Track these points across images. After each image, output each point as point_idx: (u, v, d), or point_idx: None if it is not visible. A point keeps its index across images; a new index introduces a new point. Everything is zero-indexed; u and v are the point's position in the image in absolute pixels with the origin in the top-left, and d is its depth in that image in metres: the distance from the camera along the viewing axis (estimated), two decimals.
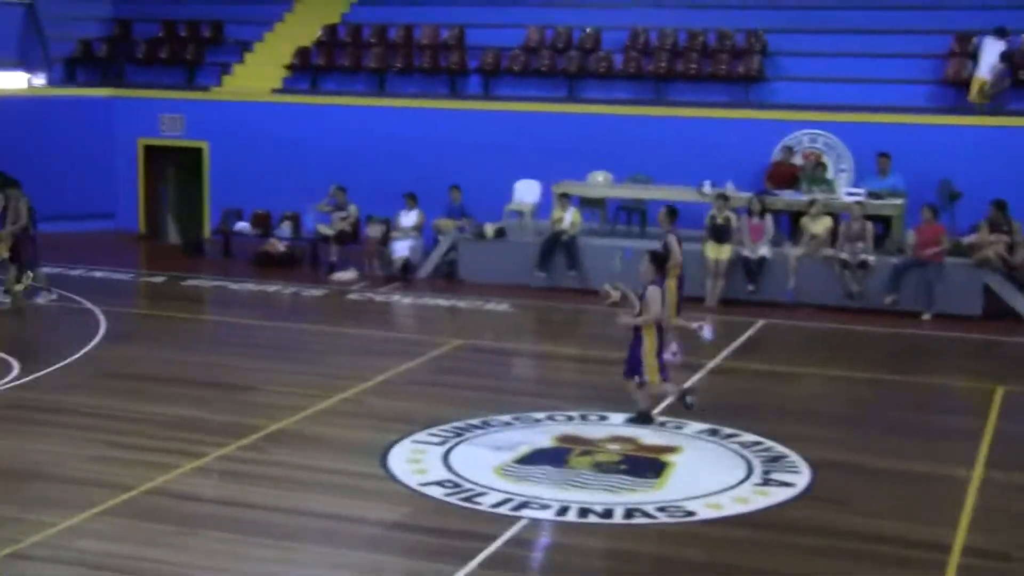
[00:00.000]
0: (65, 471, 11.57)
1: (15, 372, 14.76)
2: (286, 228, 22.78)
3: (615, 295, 13.28)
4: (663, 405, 13.54)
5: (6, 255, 18.69)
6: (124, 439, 12.50)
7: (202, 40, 26.07)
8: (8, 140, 23.94)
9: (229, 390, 14.33)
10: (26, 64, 25.30)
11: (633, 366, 13.03)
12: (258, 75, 24.95)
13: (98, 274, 21.07)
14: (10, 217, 18.82)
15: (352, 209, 21.88)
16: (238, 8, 26.39)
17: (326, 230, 21.81)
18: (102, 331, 16.98)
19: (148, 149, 24.98)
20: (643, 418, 13.20)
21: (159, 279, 21.15)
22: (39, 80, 25.21)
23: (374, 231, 21.61)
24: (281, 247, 22.39)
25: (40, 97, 24.79)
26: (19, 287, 18.59)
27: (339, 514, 10.68)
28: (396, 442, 12.49)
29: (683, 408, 13.26)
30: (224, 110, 24.49)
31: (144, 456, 11.99)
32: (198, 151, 24.63)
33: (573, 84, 23.55)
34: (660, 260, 13.35)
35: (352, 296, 20.02)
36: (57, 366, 15.10)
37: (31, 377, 14.60)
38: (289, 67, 24.95)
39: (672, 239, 15.71)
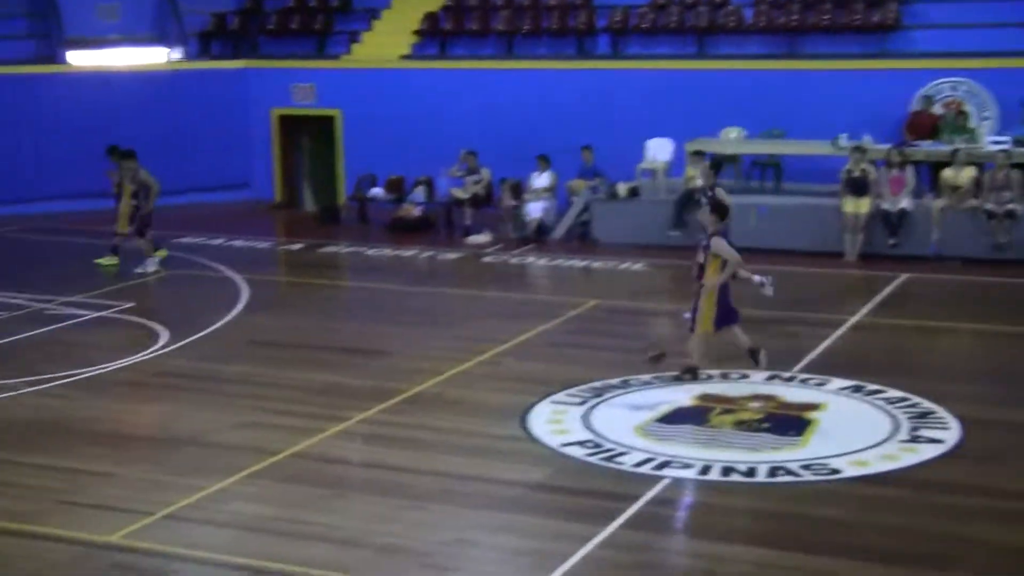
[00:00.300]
0: (213, 436, 11.87)
1: (164, 340, 15.17)
2: (420, 193, 22.96)
3: None
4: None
5: (127, 230, 19.05)
6: (269, 404, 12.77)
7: (331, 9, 26.32)
8: (147, 114, 24.53)
9: (369, 355, 14.53)
10: (163, 39, 25.87)
11: (724, 317, 13.01)
12: (387, 42, 25.12)
13: (237, 243, 21.50)
14: (128, 189, 19.11)
15: (484, 173, 21.96)
16: None
17: (460, 194, 21.94)
18: (244, 299, 17.35)
19: (282, 119, 25.36)
20: (691, 372, 13.07)
21: (297, 247, 21.52)
22: (176, 54, 25.76)
23: (508, 197, 21.68)
24: (415, 212, 22.58)
25: (177, 71, 25.34)
26: (159, 255, 19.09)
27: (481, 475, 10.78)
28: (535, 403, 12.54)
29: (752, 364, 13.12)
30: (355, 78, 24.72)
31: (289, 421, 12.24)
32: (331, 119, 24.93)
33: (703, 40, 23.25)
34: (722, 209, 13.29)
35: (487, 259, 20.12)
36: (203, 334, 15.47)
37: (179, 345, 14.99)
38: (417, 33, 25.08)
39: (720, 191, 16.08)
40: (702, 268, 13.03)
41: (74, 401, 13.04)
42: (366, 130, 24.46)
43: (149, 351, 14.76)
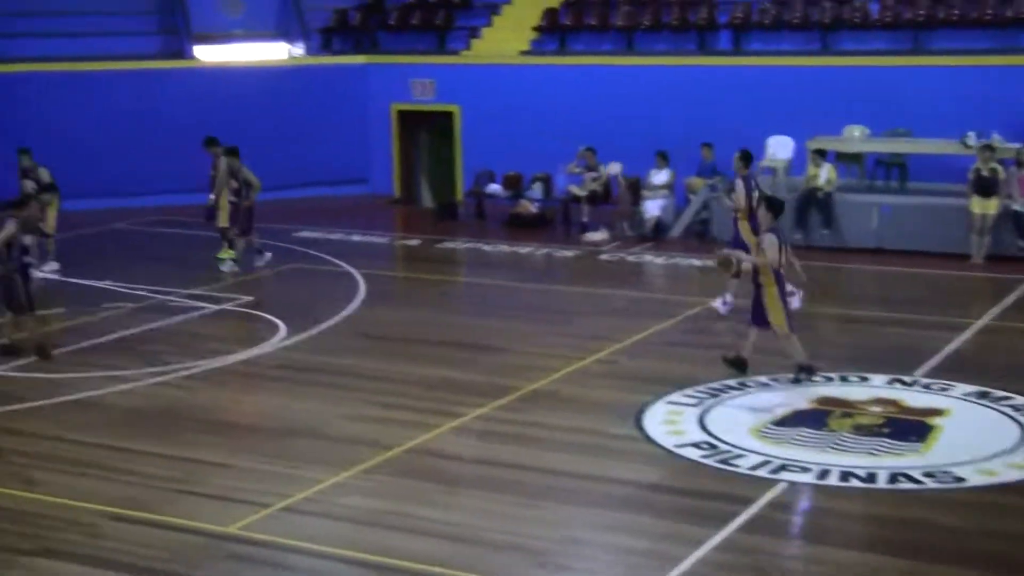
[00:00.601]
0: (330, 429, 12.01)
1: (282, 333, 15.40)
2: (537, 189, 22.99)
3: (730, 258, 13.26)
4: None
5: (227, 224, 19.21)
6: (385, 399, 12.89)
7: (452, 5, 26.47)
8: (270, 109, 24.94)
9: (485, 351, 14.58)
10: (285, 35, 26.26)
11: (758, 316, 12.85)
12: (506, 38, 25.18)
13: (355, 238, 21.74)
14: (220, 182, 19.21)
15: (602, 170, 21.90)
16: None
17: (577, 191, 21.90)
18: (361, 293, 17.53)
19: (401, 114, 25.58)
20: (805, 370, 12.87)
21: (414, 242, 21.68)
22: (298, 50, 26.13)
23: (621, 179, 21.47)
24: (533, 208, 22.61)
25: (299, 66, 25.70)
26: (228, 254, 19.20)
27: (596, 475, 10.75)
28: (651, 403, 12.48)
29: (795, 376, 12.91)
30: (474, 73, 24.83)
31: (405, 415, 12.34)
32: (450, 115, 25.08)
33: (827, 36, 22.89)
34: (777, 207, 13.09)
35: (604, 256, 20.07)
36: (321, 328, 15.67)
37: (297, 338, 15.20)
38: (537, 28, 25.10)
39: (739, 183, 16.07)
40: (756, 268, 12.90)
41: (195, 392, 13.30)
42: (484, 126, 24.55)
43: (268, 344, 15.00)
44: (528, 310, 16.58)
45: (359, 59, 25.93)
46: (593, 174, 21.86)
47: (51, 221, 18.76)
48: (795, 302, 14.52)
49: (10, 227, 14.26)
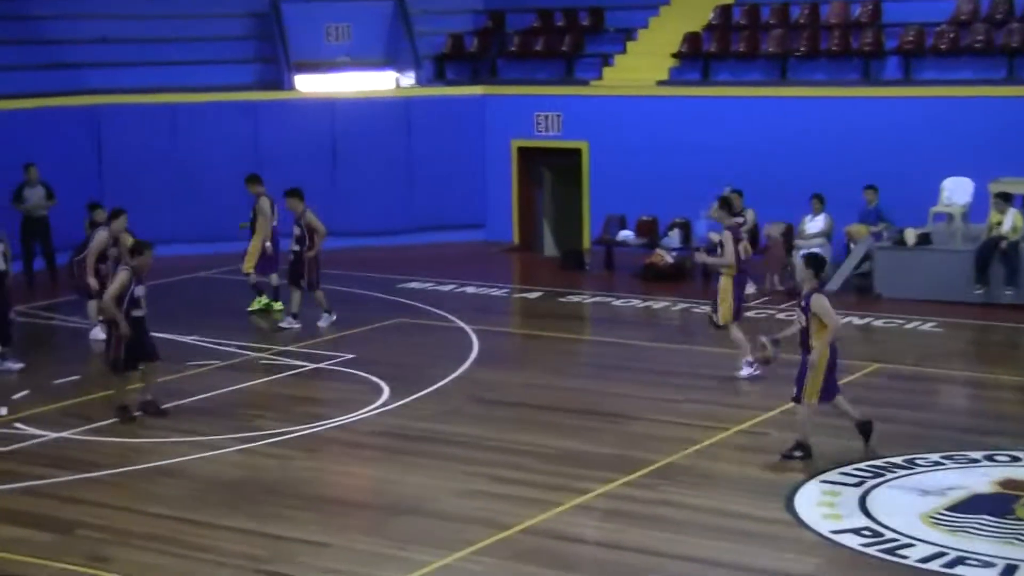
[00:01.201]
0: (437, 505, 11.98)
1: (385, 396, 15.46)
2: (674, 237, 22.86)
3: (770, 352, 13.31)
4: None
5: (251, 269, 19.44)
6: (500, 472, 12.83)
7: (581, 29, 26.59)
8: (375, 144, 25.23)
9: (613, 419, 14.46)
10: (394, 63, 26.58)
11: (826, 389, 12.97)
12: (642, 66, 25.18)
13: (469, 289, 21.81)
14: (261, 225, 19.48)
15: (749, 215, 21.70)
16: None
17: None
18: (474, 352, 17.54)
19: (522, 151, 25.68)
20: (801, 448, 12.90)
21: (535, 295, 21.68)
22: (407, 79, 26.42)
23: (775, 230, 21.32)
24: (669, 258, 22.49)
25: (409, 98, 25.97)
26: (259, 303, 19.50)
27: (739, 563, 10.55)
28: (803, 482, 12.26)
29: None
30: (605, 106, 24.86)
31: (521, 491, 12.27)
32: (577, 152, 25.11)
33: (1014, 63, 22.47)
34: (818, 264, 13.18)
35: (750, 313, 19.81)
36: (428, 390, 15.70)
37: (401, 402, 15.24)
38: (677, 56, 25.06)
39: (728, 235, 16.21)
40: (806, 333, 12.97)
41: (286, 461, 13.39)
42: (616, 165, 24.53)
43: (369, 408, 15.06)
44: (663, 374, 16.43)
45: (476, 90, 26.14)
46: (737, 219, 21.65)
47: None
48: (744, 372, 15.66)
49: (123, 276, 14.42)
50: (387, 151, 25.43)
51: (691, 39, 25.07)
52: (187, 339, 18.07)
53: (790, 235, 21.63)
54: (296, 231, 18.79)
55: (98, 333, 18.33)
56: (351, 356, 17.29)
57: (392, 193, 25.31)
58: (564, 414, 14.74)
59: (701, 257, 17.21)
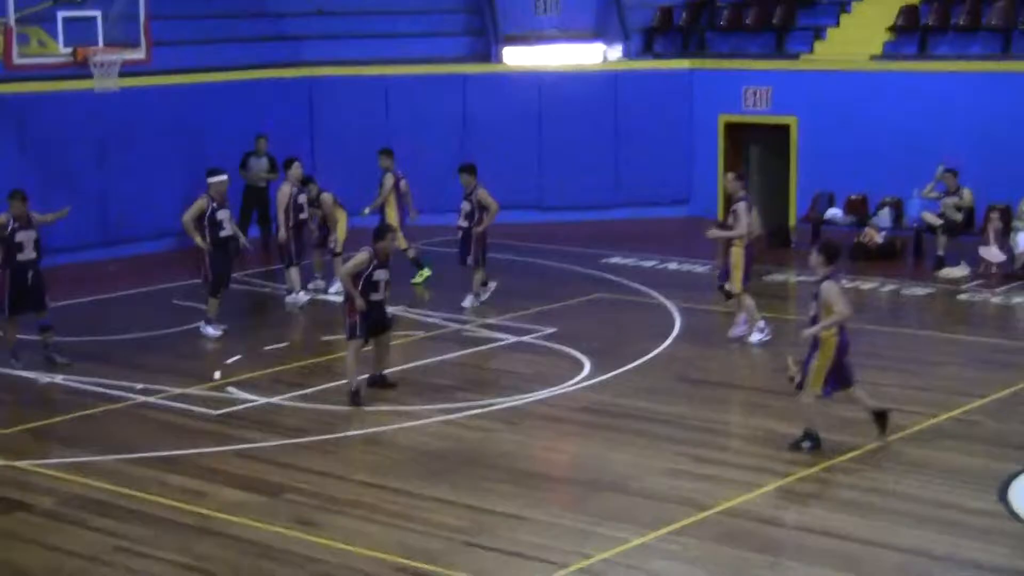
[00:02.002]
0: (638, 483, 11.94)
1: (586, 371, 15.46)
2: (885, 216, 22.35)
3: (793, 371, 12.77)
4: None
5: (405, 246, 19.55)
6: (701, 451, 12.73)
7: (792, 2, 26.06)
8: (583, 118, 25.20)
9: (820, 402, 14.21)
10: (603, 36, 26.47)
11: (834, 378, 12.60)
12: (856, 39, 24.61)
13: (672, 266, 21.66)
14: (380, 200, 19.76)
15: (965, 195, 21.08)
16: None
17: (933, 219, 21.16)
18: (677, 329, 17.43)
19: (729, 127, 25.35)
20: (808, 438, 12.60)
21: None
22: (615, 52, 26.30)
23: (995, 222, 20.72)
24: (879, 238, 22.00)
25: (616, 71, 25.84)
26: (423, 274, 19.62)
27: (947, 555, 10.29)
28: (1018, 473, 11.88)
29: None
30: (816, 81, 24.36)
31: (723, 471, 12.16)
32: (785, 128, 24.68)
33: None
34: (831, 251, 12.76)
35: (963, 296, 19.29)
36: (629, 366, 15.65)
37: (602, 378, 15.22)
38: (893, 29, 24.42)
39: (742, 206, 16.34)
40: (815, 321, 12.54)
41: (488, 433, 13.49)
42: (826, 141, 24.04)
43: (571, 383, 15.07)
44: (870, 356, 16.03)
45: (684, 63, 25.88)
46: (953, 199, 21.06)
47: (341, 239, 19.42)
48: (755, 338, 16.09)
49: (361, 256, 14.34)
50: (594, 125, 25.37)
51: (908, 12, 24.38)
52: (392, 309, 18.29)
53: (1007, 216, 20.93)
54: (466, 207, 18.68)
55: (298, 298, 18.88)
56: (553, 330, 17.32)
57: (598, 167, 25.26)
58: (768, 394, 14.51)
59: (714, 233, 17.31)
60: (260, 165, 22.76)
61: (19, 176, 20.89)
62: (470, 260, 18.60)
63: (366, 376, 14.60)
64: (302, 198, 19.17)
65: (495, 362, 16.20)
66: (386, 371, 14.80)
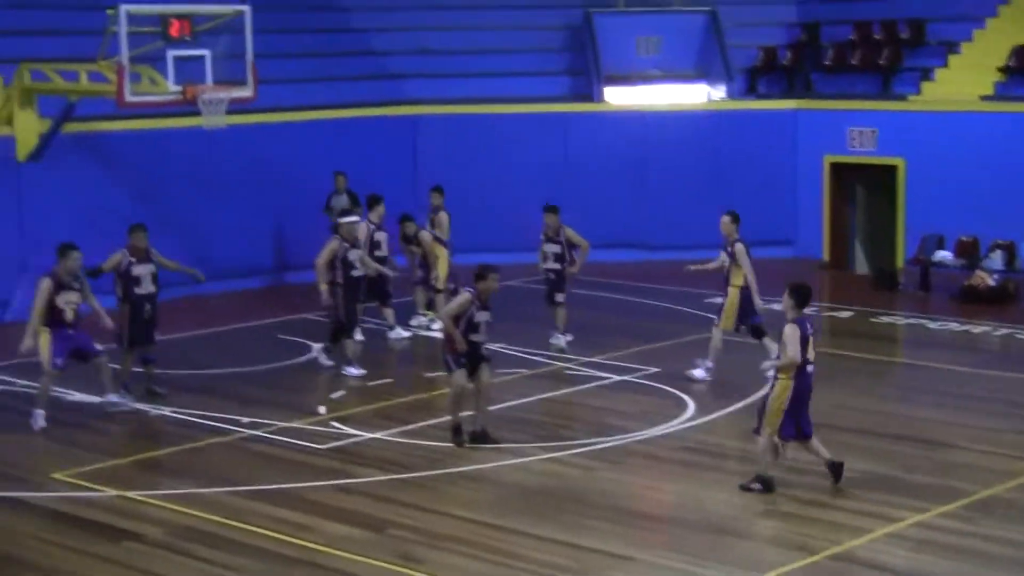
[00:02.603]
0: (743, 524, 11.86)
1: (690, 411, 15.41)
2: (997, 258, 22.08)
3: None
4: None
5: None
6: (807, 494, 12.61)
7: (899, 42, 25.90)
8: (684, 158, 25.19)
9: (927, 446, 14.06)
10: (706, 76, 26.47)
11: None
12: (965, 80, 24.36)
13: (776, 307, 21.31)
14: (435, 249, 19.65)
15: None
16: (943, 3, 25.93)
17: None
18: None
19: (835, 167, 25.17)
20: (761, 482, 12.60)
21: (845, 314, 21.22)
22: (718, 92, 26.27)
23: None
24: (991, 281, 21.72)
25: (719, 111, 25.80)
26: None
27: None
28: None
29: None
30: (924, 122, 24.12)
31: (830, 515, 12.04)
32: (892, 169, 24.47)
33: None
34: (801, 295, 12.83)
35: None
36: (733, 407, 15.57)
37: (707, 418, 15.16)
38: (1003, 70, 24.14)
39: (741, 247, 17.07)
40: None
41: (590, 471, 13.47)
42: (934, 183, 23.78)
43: (674, 422, 15.02)
44: (982, 400, 15.86)
45: (788, 104, 25.78)
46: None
47: (443, 276, 19.54)
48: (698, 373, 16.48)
49: (463, 297, 14.22)
50: (696, 165, 25.35)
51: (1020, 52, 24.10)
52: (493, 346, 18.36)
53: None
54: (554, 248, 18.65)
55: (399, 333, 19.12)
56: (656, 369, 17.27)
57: (700, 207, 25.14)
58: (875, 438, 14.38)
59: (695, 268, 18.05)
60: (341, 202, 22.75)
61: (127, 210, 21.38)
62: (560, 298, 18.54)
63: (469, 413, 14.59)
64: (379, 235, 19.38)
65: (598, 400, 16.18)
66: (487, 411, 14.58)
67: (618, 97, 26.17)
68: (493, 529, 11.82)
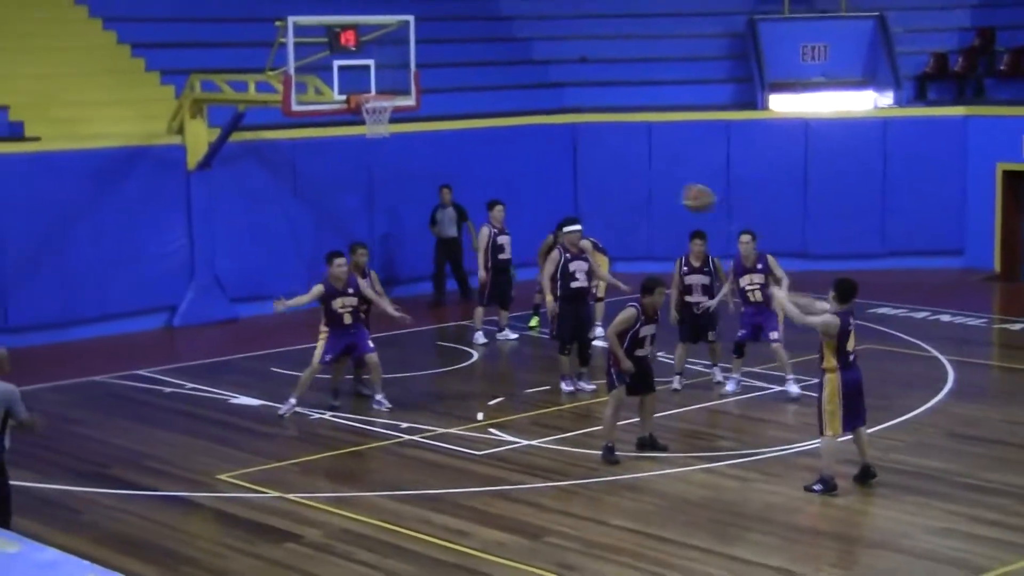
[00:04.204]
0: (909, 541, 11.59)
1: None
2: None
3: None
4: None
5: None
6: (976, 511, 12.29)
7: None
8: (843, 165, 24.78)
9: None
10: (873, 82, 26.02)
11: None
12: None
13: (944, 318, 21.05)
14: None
15: None
16: None
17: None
18: (949, 383, 16.91)
19: (1008, 175, 24.53)
20: (823, 482, 12.73)
21: (1018, 326, 20.67)
22: (885, 99, 25.80)
23: None
24: None
25: (887, 118, 25.32)
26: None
27: None
28: None
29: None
30: None
31: (1000, 534, 11.73)
32: None
33: None
34: (844, 289, 12.75)
35: None
36: (898, 420, 15.27)
37: (870, 431, 14.72)
38: None
39: (772, 258, 16.52)
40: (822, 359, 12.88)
41: (749, 483, 13.30)
42: None
43: (838, 435, 14.71)
44: None
45: (959, 110, 25.20)
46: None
47: (604, 285, 19.46)
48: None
49: (628, 312, 13.96)
50: (862, 173, 24.91)
51: None
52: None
53: None
54: (702, 279, 16.98)
55: (508, 334, 19.63)
56: (816, 380, 16.95)
57: (865, 216, 24.79)
58: None
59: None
60: (448, 215, 22.69)
61: (293, 219, 21.79)
62: (712, 335, 17.06)
63: (635, 420, 14.51)
64: (502, 239, 19.43)
65: (758, 411, 15.99)
66: (652, 421, 14.55)
67: (782, 104, 25.86)
68: (651, 539, 11.74)
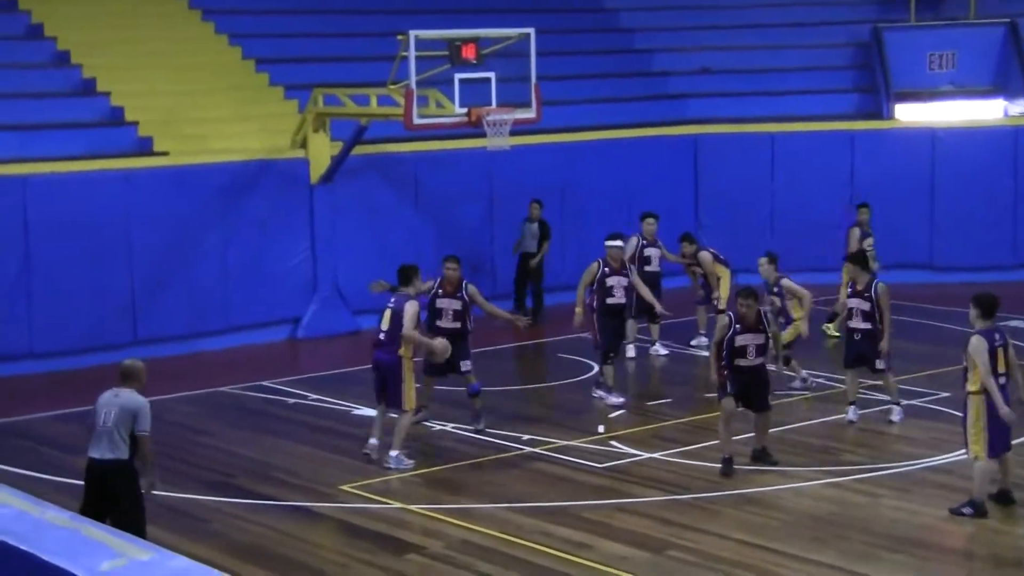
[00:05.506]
0: None
1: None
2: None
3: None
4: None
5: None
6: None
7: None
8: (979, 175, 24.34)
9: None
10: (1003, 91, 25.55)
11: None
12: None
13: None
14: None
15: None
16: None
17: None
18: None
19: None
20: (973, 506, 12.34)
21: None
22: (1017, 108, 25.31)
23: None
24: None
25: (1016, 127, 24.85)
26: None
27: None
28: None
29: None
30: None
31: None
32: None
33: None
34: (986, 304, 12.52)
35: None
36: None
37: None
38: None
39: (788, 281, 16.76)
40: (965, 373, 12.42)
41: (876, 498, 13.12)
42: None
43: (964, 450, 14.44)
44: None
45: None
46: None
47: (724, 296, 19.36)
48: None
49: (723, 320, 14.04)
50: (990, 183, 24.47)
51: None
52: (773, 367, 18.07)
53: None
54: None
55: (659, 349, 19.44)
56: (947, 394, 16.70)
57: (996, 227, 24.34)
58: None
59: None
60: (531, 230, 22.51)
61: (414, 232, 21.91)
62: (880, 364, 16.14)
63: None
64: (649, 251, 19.33)
65: (882, 425, 15.76)
66: (767, 434, 14.43)
67: (908, 114, 25.49)
68: (774, 554, 11.62)
